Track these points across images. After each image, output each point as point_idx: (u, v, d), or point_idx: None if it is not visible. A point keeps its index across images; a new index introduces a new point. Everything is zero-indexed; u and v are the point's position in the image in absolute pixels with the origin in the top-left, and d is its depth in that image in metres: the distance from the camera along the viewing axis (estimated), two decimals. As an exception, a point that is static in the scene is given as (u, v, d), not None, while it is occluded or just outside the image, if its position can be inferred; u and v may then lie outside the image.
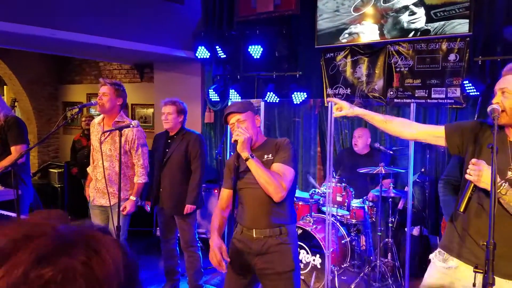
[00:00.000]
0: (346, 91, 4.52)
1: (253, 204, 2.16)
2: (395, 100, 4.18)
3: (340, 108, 2.08)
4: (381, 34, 4.19)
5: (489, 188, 1.57)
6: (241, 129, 2.12)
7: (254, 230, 2.14)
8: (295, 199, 3.72)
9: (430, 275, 1.94)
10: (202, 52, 5.07)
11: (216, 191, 4.78)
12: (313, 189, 3.81)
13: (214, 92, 5.15)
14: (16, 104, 7.36)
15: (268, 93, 4.72)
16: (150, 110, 6.47)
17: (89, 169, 3.45)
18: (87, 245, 0.52)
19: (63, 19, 3.95)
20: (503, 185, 1.65)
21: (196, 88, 5.67)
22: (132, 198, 3.18)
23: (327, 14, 4.51)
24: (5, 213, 2.61)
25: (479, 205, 1.76)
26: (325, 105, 4.57)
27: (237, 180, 2.21)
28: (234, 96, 5.00)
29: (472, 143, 1.82)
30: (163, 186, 3.35)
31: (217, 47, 5.04)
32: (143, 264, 3.98)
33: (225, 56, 5.10)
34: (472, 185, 1.68)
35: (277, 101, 4.74)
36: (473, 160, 1.68)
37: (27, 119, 7.28)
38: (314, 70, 4.73)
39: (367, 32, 4.27)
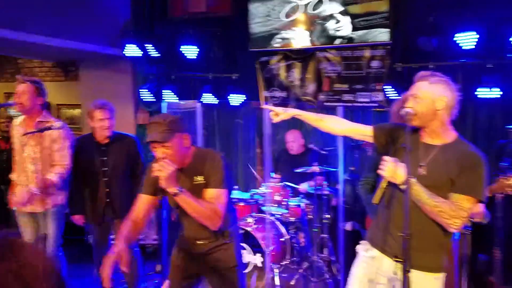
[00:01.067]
0: (282, 94, 4.71)
1: (193, 221, 2.10)
2: (325, 104, 4.46)
3: (276, 114, 2.19)
4: (311, 41, 4.43)
5: (400, 183, 1.83)
6: (163, 162, 1.93)
7: (196, 241, 2.21)
8: (236, 200, 3.83)
9: (356, 265, 2.14)
10: (132, 50, 4.90)
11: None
12: (252, 190, 3.96)
13: (148, 92, 5.02)
14: None
15: (204, 94, 4.74)
16: (78, 111, 6.11)
17: (12, 176, 3.23)
18: (13, 252, 0.57)
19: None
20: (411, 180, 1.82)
21: (127, 87, 5.48)
22: (34, 189, 2.95)
23: (259, 18, 4.63)
24: None
25: (395, 200, 1.94)
26: (261, 107, 4.73)
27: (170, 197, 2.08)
28: (169, 97, 4.94)
29: (392, 143, 2.02)
30: (111, 198, 3.19)
31: (148, 45, 4.91)
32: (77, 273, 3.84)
33: (159, 55, 4.99)
34: (386, 180, 1.91)
35: (216, 103, 4.78)
36: (385, 157, 1.88)
37: None
38: (250, 73, 4.83)
39: (298, 38, 4.49)
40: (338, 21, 4.29)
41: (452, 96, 1.88)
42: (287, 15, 4.52)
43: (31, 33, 4.11)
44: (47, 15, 4.23)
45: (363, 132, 2.12)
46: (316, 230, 3.74)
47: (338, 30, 4.30)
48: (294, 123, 4.60)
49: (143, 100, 5.18)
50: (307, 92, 4.59)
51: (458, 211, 1.79)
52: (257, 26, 4.65)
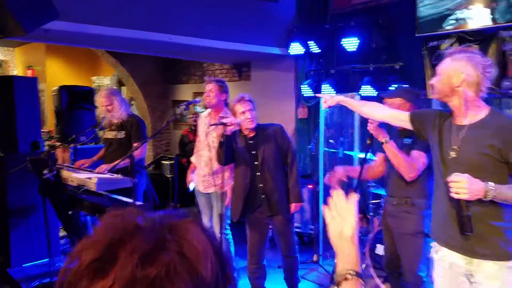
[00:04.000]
0: (452, 83, 4.14)
1: (392, 180, 2.68)
2: (511, 92, 3.71)
3: (325, 101, 2.37)
4: (493, 19, 3.74)
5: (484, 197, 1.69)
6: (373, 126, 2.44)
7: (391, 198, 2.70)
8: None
9: (436, 272, 2.05)
10: (296, 48, 5.12)
11: (310, 186, 4.80)
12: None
13: (308, 87, 5.16)
14: (133, 102, 8.34)
15: (363, 86, 4.56)
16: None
17: (192, 158, 3.76)
18: (173, 234, 0.55)
19: (176, 25, 4.35)
20: (489, 188, 1.68)
21: (290, 84, 5.74)
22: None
23: (429, 0, 4.18)
24: (123, 198, 2.98)
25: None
26: (428, 97, 4.26)
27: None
28: (328, 91, 4.95)
29: (431, 128, 2.01)
30: (266, 193, 3.08)
31: (311, 42, 5.04)
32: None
33: (319, 50, 5.07)
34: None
35: (375, 95, 4.56)
36: (454, 178, 1.72)
37: (143, 115, 8.15)
38: (415, 61, 4.43)
39: (476, 17, 3.85)
40: (532, -8, 3.51)
41: (473, 72, 1.80)
42: (463, -7, 3.94)
43: (214, 40, 4.75)
44: (225, 24, 4.82)
45: (401, 117, 2.17)
46: None
47: (532, 3, 3.52)
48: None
49: (304, 95, 5.34)
50: (486, 79, 3.90)
51: None
52: (426, 8, 4.20)
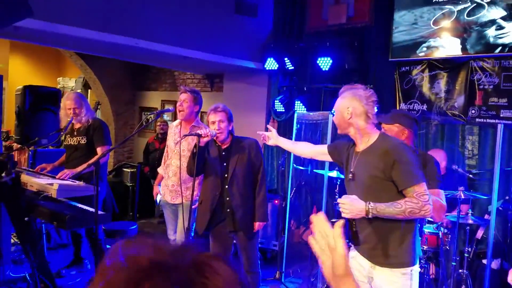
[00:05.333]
0: (422, 107, 4.28)
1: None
2: (477, 120, 3.87)
3: (267, 137, 2.61)
4: (463, 49, 3.92)
5: (366, 215, 1.93)
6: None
7: None
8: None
9: None
10: (271, 64, 5.13)
11: (276, 202, 4.76)
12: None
13: (279, 103, 5.17)
14: (99, 107, 8.02)
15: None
16: (218, 118, 6.65)
17: (159, 169, 3.62)
18: (201, 275, 0.48)
19: (144, 29, 4.23)
20: (369, 207, 1.91)
21: (262, 98, 5.74)
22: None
23: (404, 26, 4.33)
24: (84, 207, 2.81)
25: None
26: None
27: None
28: (299, 108, 4.98)
29: (344, 158, 2.23)
30: (232, 208, 2.99)
31: (285, 58, 5.07)
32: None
33: (293, 67, 5.11)
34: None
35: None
36: (339, 200, 1.99)
37: (107, 120, 7.86)
38: (386, 84, 4.55)
39: (447, 46, 4.03)
40: (500, 27, 3.71)
41: (358, 104, 2.05)
42: (435, 22, 4.11)
43: (187, 49, 4.66)
44: (201, 34, 4.75)
45: (323, 151, 2.37)
46: (454, 263, 3.21)
47: (499, 37, 3.72)
48: (436, 142, 4.12)
49: (276, 110, 5.33)
50: (454, 106, 4.05)
51: (419, 199, 1.89)
52: (400, 34, 4.35)
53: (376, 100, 2.10)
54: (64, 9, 3.62)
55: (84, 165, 3.05)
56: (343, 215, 1.94)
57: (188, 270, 0.47)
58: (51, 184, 2.74)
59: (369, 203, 1.91)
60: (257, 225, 2.99)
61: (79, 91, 7.53)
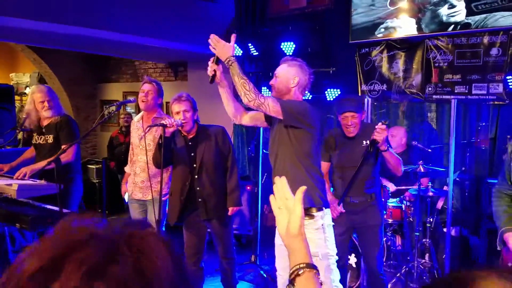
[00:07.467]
0: (382, 87, 4.41)
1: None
2: (434, 96, 4.04)
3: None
4: (419, 29, 4.06)
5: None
6: (382, 127, 2.56)
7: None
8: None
9: None
10: (235, 50, 5.08)
11: (249, 188, 4.79)
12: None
13: (246, 90, 5.16)
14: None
15: (301, 90, 4.67)
16: (184, 108, 6.57)
17: (126, 168, 3.53)
18: (130, 246, 0.49)
19: (100, 18, 4.09)
20: None
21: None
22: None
23: (362, 8, 4.41)
24: (48, 206, 2.73)
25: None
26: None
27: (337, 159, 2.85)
28: (266, 93, 4.99)
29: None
30: (203, 197, 3.00)
31: (249, 44, 5.05)
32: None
33: (257, 53, 5.10)
34: None
35: (309, 98, 4.68)
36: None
37: (67, 116, 7.58)
38: (347, 66, 4.65)
39: (404, 26, 4.15)
40: (452, 6, 3.86)
41: (303, 77, 2.31)
42: (392, 3, 4.22)
43: (147, 37, 4.54)
44: (161, 21, 4.63)
45: (258, 117, 2.51)
46: (417, 234, 3.38)
47: (452, 16, 3.87)
48: (397, 120, 4.27)
49: (242, 97, 5.32)
50: (412, 84, 4.21)
51: (258, 97, 2.13)
52: (359, 16, 4.44)
53: (312, 78, 2.38)
54: (12, 1, 3.43)
55: (44, 162, 2.93)
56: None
57: (118, 241, 0.49)
58: (10, 185, 2.64)
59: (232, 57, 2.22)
60: (231, 210, 2.99)
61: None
